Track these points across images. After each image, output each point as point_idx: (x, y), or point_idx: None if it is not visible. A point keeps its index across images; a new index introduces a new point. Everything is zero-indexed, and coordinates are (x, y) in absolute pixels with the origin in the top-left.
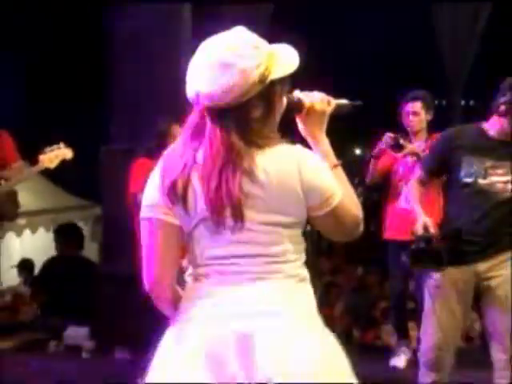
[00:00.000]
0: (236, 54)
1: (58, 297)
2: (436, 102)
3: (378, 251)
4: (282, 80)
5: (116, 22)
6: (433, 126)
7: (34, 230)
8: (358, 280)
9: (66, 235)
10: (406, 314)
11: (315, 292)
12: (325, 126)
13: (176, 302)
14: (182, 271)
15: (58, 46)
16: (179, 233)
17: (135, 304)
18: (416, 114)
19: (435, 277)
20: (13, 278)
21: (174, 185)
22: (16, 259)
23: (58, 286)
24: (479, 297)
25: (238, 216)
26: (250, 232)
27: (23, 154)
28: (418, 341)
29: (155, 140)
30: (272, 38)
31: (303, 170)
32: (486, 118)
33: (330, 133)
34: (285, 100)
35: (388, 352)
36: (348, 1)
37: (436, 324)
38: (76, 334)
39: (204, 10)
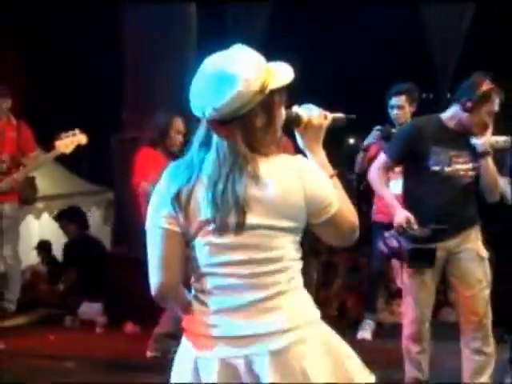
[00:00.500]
0: (238, 66)
1: (73, 275)
2: (424, 95)
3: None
4: (279, 90)
5: (129, 19)
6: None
7: (51, 213)
8: (353, 260)
9: (69, 218)
10: (379, 289)
11: (314, 270)
12: (322, 139)
13: (183, 303)
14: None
15: (78, 42)
16: (182, 241)
17: (144, 283)
18: (400, 107)
19: None
20: (32, 258)
21: (178, 194)
22: (35, 240)
23: (73, 265)
24: (449, 270)
25: (241, 218)
26: (251, 236)
27: (40, 140)
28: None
29: (157, 131)
30: (270, 36)
31: (305, 179)
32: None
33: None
34: (283, 110)
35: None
36: (341, 1)
37: (415, 300)
38: (90, 309)
39: (208, 9)
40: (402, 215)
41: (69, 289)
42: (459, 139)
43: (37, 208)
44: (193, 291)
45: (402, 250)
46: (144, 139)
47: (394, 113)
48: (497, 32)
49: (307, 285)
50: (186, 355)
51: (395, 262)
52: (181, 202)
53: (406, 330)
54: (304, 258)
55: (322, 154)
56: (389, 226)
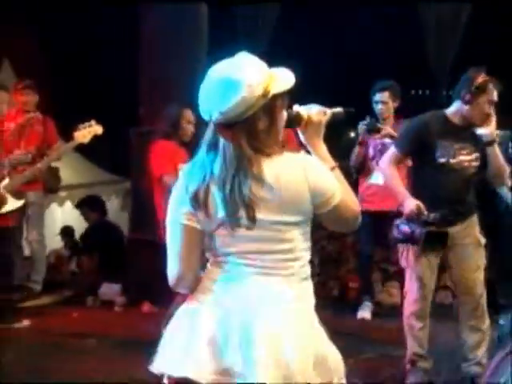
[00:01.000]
0: (242, 73)
1: (94, 258)
2: (420, 92)
3: None
4: (281, 95)
5: (145, 18)
6: (417, 113)
7: (73, 201)
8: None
9: (89, 206)
10: (371, 272)
11: (315, 257)
12: (322, 134)
13: None
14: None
15: (98, 42)
16: (201, 236)
17: (160, 265)
18: (384, 102)
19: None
20: (56, 243)
21: (196, 193)
22: (58, 226)
23: (94, 249)
24: (450, 255)
25: (251, 215)
26: (262, 230)
27: (63, 132)
28: (402, 297)
29: (169, 123)
30: (276, 35)
31: (309, 173)
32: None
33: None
34: (285, 113)
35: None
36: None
37: (420, 280)
38: (109, 290)
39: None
40: (412, 203)
41: (90, 271)
42: (463, 132)
43: (60, 196)
44: (208, 267)
45: (414, 234)
46: (158, 132)
47: (378, 108)
48: (492, 31)
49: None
50: (184, 312)
51: (400, 246)
52: (199, 201)
53: (410, 308)
54: None
55: (323, 148)
56: (374, 212)
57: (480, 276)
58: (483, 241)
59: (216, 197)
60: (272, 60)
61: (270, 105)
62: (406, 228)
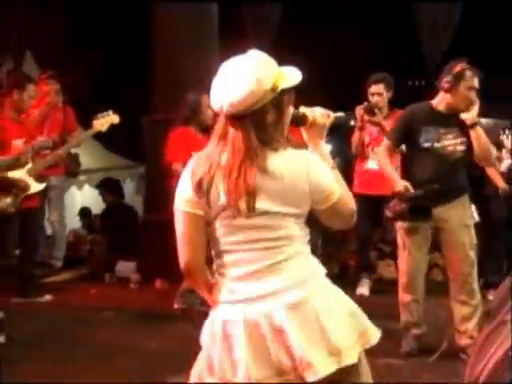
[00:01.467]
0: (253, 67)
1: (110, 237)
2: (417, 82)
3: None
4: (289, 90)
5: (160, 13)
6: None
7: (91, 185)
8: (351, 229)
9: (107, 188)
10: (369, 251)
11: (317, 237)
12: (324, 135)
13: (208, 285)
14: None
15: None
16: (205, 222)
17: (171, 244)
18: (379, 94)
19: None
20: (75, 223)
21: (200, 182)
22: (77, 207)
23: (111, 229)
24: (439, 237)
25: (251, 205)
26: (261, 219)
27: (82, 121)
28: (397, 274)
29: (188, 109)
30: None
31: (310, 170)
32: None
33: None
34: (291, 109)
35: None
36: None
37: (409, 255)
38: (125, 268)
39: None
40: (400, 184)
41: (106, 250)
42: (448, 119)
43: (79, 180)
44: (214, 266)
45: (402, 211)
46: (178, 118)
47: (374, 99)
48: (480, 26)
49: (312, 250)
50: (214, 324)
51: (396, 224)
52: (203, 189)
53: (400, 280)
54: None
55: (324, 148)
56: (369, 196)
57: (467, 255)
58: (471, 222)
59: (219, 186)
60: (279, 56)
61: (278, 99)
62: (396, 207)
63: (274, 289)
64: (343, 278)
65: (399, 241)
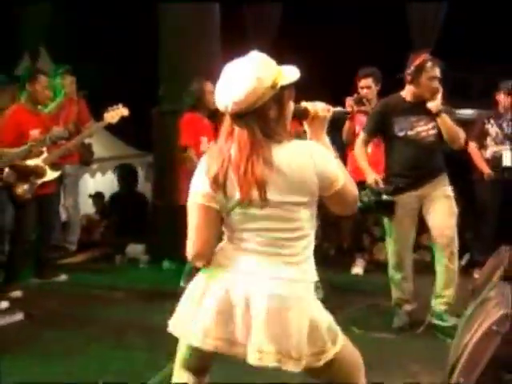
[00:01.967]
0: (253, 67)
1: (121, 221)
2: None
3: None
4: (289, 87)
5: (166, 13)
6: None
7: (103, 173)
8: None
9: (125, 173)
10: (362, 233)
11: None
12: (325, 128)
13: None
14: None
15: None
16: (219, 216)
17: (178, 227)
18: (368, 87)
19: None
20: (88, 208)
21: (216, 177)
22: (90, 194)
23: (122, 213)
24: (423, 210)
25: (263, 195)
26: (274, 210)
27: (94, 113)
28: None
29: (194, 96)
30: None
31: (316, 160)
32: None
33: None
34: (292, 104)
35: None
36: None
37: (394, 238)
38: (135, 249)
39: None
40: (371, 177)
41: (117, 232)
42: (417, 107)
43: (92, 168)
44: (223, 242)
45: (370, 203)
46: (184, 107)
47: (363, 92)
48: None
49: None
50: (197, 283)
51: None
52: (219, 183)
53: (389, 260)
54: None
55: (326, 140)
56: (361, 182)
57: (450, 221)
58: (451, 193)
59: (233, 179)
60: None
61: (278, 95)
62: (365, 198)
63: (269, 275)
64: (339, 259)
65: (385, 221)
